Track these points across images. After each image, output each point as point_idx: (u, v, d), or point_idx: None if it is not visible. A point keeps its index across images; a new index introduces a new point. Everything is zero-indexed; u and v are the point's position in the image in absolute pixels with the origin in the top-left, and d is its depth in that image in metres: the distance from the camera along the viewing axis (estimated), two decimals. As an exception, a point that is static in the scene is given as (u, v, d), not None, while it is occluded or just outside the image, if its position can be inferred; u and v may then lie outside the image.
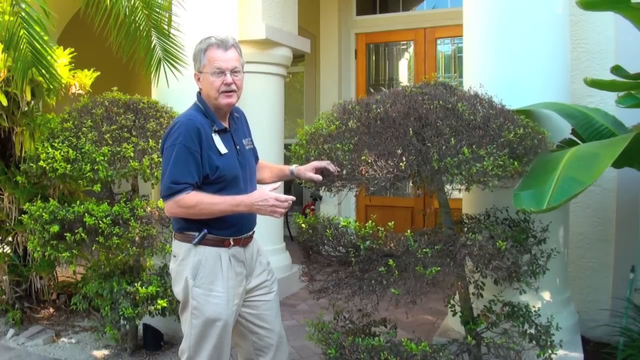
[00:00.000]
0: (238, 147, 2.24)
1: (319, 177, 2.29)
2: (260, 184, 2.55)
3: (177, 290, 2.23)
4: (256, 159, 2.48)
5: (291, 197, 2.07)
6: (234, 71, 2.16)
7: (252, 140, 2.42)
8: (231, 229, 2.19)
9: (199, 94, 2.26)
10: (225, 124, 2.23)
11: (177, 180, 2.07)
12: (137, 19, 3.22)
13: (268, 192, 2.06)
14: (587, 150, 2.29)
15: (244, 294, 2.27)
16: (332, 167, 2.28)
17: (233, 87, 2.16)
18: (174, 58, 3.36)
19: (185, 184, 2.07)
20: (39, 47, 3.18)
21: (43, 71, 3.33)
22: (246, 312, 2.30)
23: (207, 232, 2.14)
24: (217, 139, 2.16)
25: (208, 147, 2.12)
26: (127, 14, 3.17)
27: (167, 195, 2.09)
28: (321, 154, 2.36)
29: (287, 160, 3.07)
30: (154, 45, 3.35)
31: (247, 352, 2.36)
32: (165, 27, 3.32)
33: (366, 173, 2.16)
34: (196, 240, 2.14)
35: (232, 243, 2.19)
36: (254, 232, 2.33)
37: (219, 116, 2.21)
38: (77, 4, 3.20)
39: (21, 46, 3.15)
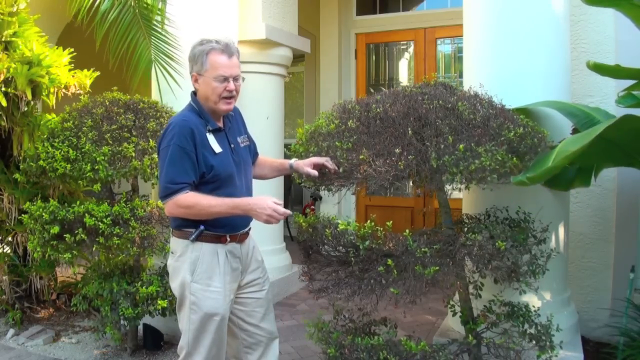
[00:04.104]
0: (233, 145, 2.26)
1: (315, 172, 2.30)
2: (262, 179, 2.57)
3: (175, 286, 2.26)
4: (255, 154, 2.51)
5: (289, 212, 2.10)
6: (235, 78, 2.19)
7: (248, 137, 2.43)
8: (227, 227, 2.21)
9: (194, 94, 2.26)
10: (220, 124, 2.25)
11: (174, 180, 2.09)
12: (125, 12, 3.13)
13: (269, 202, 2.06)
14: (580, 133, 2.33)
15: (237, 290, 2.29)
16: (330, 164, 2.28)
17: (234, 93, 2.20)
18: (168, 59, 3.26)
19: (183, 184, 2.09)
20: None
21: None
22: (237, 309, 2.32)
23: (203, 228, 2.16)
24: (211, 138, 2.18)
25: (202, 147, 2.14)
26: (115, 4, 3.09)
27: (165, 195, 2.11)
28: (320, 151, 2.36)
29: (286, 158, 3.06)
30: (143, 44, 3.21)
31: (236, 350, 2.38)
32: (158, 26, 3.20)
33: (364, 172, 2.16)
34: (193, 236, 2.17)
35: (228, 239, 2.23)
36: (250, 228, 2.36)
37: (214, 117, 2.23)
38: (77, 3, 3.18)
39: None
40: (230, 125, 2.32)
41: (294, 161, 2.41)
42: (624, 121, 2.18)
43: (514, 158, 2.17)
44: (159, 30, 3.26)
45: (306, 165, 2.32)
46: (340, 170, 2.25)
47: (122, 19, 3.16)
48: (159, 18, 3.22)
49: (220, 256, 2.20)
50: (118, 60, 3.22)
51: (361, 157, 2.18)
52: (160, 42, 3.28)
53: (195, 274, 2.17)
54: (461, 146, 2.11)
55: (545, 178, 2.11)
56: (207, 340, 2.19)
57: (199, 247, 2.18)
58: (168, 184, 2.10)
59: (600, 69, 2.58)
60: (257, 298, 2.36)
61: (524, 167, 2.27)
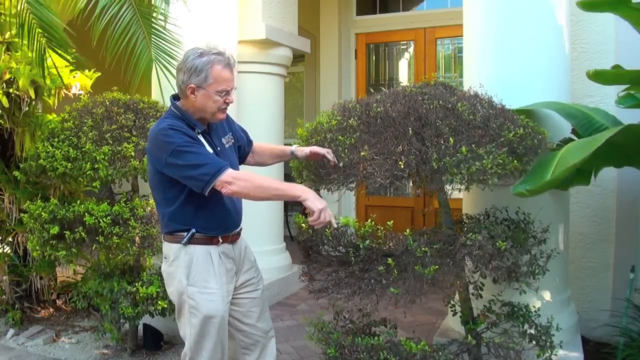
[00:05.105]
0: (219, 148, 2.24)
1: (315, 153, 2.31)
2: (262, 166, 2.58)
3: (171, 291, 2.24)
4: (250, 143, 2.50)
5: (334, 223, 2.07)
6: (233, 89, 2.18)
7: (233, 134, 2.38)
8: (219, 228, 2.21)
9: (174, 99, 2.22)
10: (204, 126, 2.22)
11: (213, 162, 2.04)
12: (125, 9, 3.10)
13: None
14: (582, 140, 2.33)
15: (233, 291, 2.29)
16: (331, 156, 2.27)
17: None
18: (169, 58, 3.24)
19: (222, 162, 2.05)
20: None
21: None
22: (233, 310, 2.31)
23: (195, 231, 2.15)
24: (202, 140, 2.16)
25: None
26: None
27: (215, 173, 2.01)
28: (323, 142, 2.37)
29: (288, 163, 3.07)
30: (143, 43, 3.16)
31: (233, 351, 2.37)
32: (159, 25, 3.19)
33: (364, 170, 2.16)
34: (185, 239, 2.15)
35: (220, 240, 2.21)
36: (241, 228, 2.35)
37: (201, 123, 2.19)
38: (78, 2, 3.17)
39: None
40: (215, 126, 2.28)
41: (295, 147, 2.42)
42: (626, 130, 2.19)
43: (515, 161, 2.17)
44: (160, 29, 3.24)
45: (306, 151, 2.34)
46: (341, 164, 2.25)
47: (122, 16, 3.13)
48: (161, 17, 3.20)
49: (214, 258, 2.19)
50: (116, 60, 3.17)
51: (362, 153, 2.18)
52: (161, 40, 3.25)
53: (191, 277, 2.16)
54: (464, 148, 2.11)
55: (545, 191, 2.09)
56: (209, 344, 2.17)
57: (191, 250, 2.17)
58: (209, 167, 2.02)
59: (601, 75, 2.51)
60: (252, 298, 2.35)
61: (524, 169, 2.27)
